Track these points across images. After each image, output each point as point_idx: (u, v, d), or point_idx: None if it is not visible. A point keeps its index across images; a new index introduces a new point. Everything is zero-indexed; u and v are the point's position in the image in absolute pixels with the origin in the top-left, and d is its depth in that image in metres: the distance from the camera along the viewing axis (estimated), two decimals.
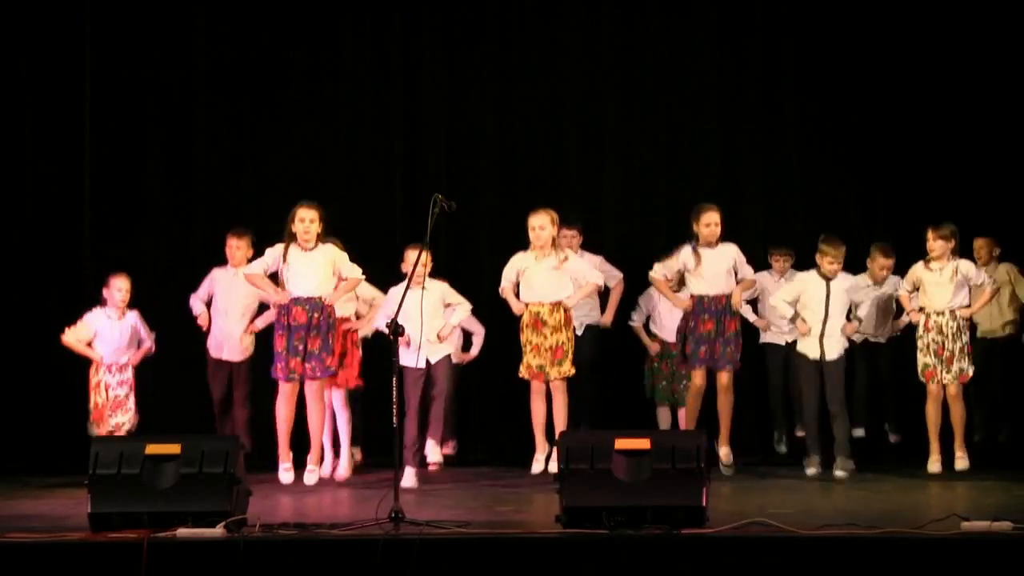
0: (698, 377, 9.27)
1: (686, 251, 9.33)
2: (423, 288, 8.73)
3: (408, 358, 8.83)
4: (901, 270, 9.64)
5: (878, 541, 6.17)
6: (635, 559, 6.09)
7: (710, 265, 9.28)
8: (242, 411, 9.66)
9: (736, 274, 9.37)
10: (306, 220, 8.80)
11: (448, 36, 11.10)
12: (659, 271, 9.46)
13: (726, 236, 9.44)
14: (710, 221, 9.28)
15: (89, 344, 9.47)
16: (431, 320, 8.83)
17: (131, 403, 9.49)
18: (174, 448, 6.72)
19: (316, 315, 8.70)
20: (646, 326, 10.35)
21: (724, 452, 9.29)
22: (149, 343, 9.63)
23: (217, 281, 9.73)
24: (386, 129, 11.11)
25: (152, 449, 6.72)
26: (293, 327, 8.69)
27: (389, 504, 6.69)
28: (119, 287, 9.47)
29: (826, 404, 9.28)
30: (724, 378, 9.25)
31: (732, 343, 9.26)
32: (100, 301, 9.51)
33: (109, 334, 9.46)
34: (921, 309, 9.33)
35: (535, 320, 8.97)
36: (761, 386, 10.44)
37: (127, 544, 6.16)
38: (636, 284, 10.34)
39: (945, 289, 9.24)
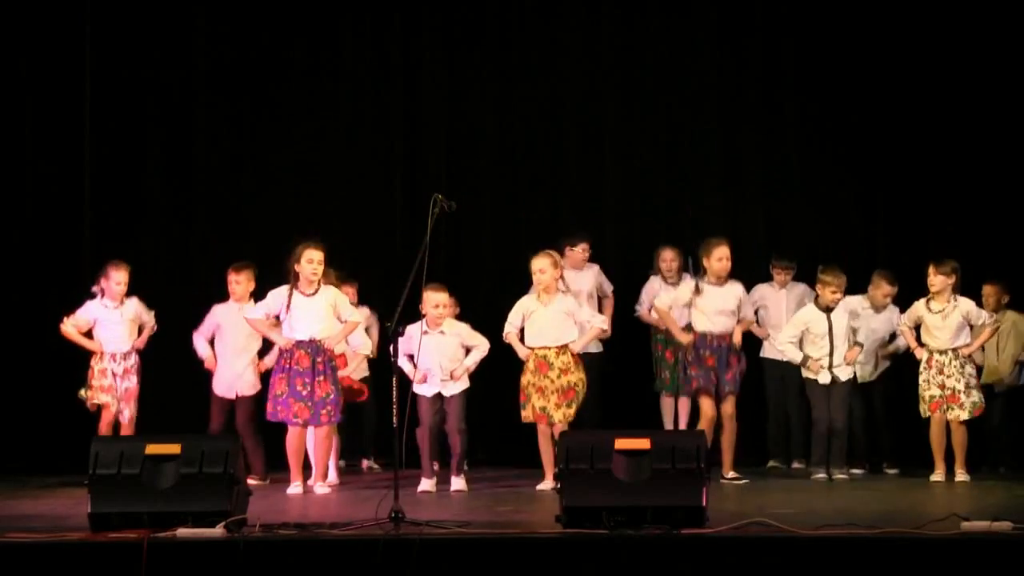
0: (707, 407, 9.27)
1: (692, 285, 9.37)
2: (441, 332, 8.80)
3: (422, 389, 8.85)
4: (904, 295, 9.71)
5: (878, 541, 6.16)
6: (635, 559, 6.09)
7: (715, 302, 9.29)
8: (252, 443, 9.34)
9: (738, 312, 9.43)
10: (315, 261, 8.76)
11: (448, 36, 11.10)
12: (664, 301, 9.48)
13: (726, 236, 9.49)
14: (722, 255, 9.28)
15: (89, 334, 9.47)
16: (449, 363, 8.90)
17: (136, 391, 9.48)
18: (174, 448, 6.71)
19: (319, 359, 8.72)
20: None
21: (732, 475, 9.32)
22: (151, 323, 9.64)
23: (219, 318, 9.55)
24: (386, 129, 11.11)
25: (152, 449, 6.71)
26: (296, 371, 8.69)
27: (389, 504, 6.68)
28: (117, 279, 9.45)
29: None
30: (728, 407, 9.29)
31: (735, 370, 9.32)
32: (97, 291, 9.49)
33: (108, 322, 9.47)
34: (923, 345, 9.38)
35: (540, 363, 8.91)
36: (759, 399, 10.39)
37: (127, 544, 6.15)
38: (636, 283, 10.35)
39: (946, 330, 9.27)
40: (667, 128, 11.04)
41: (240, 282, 9.46)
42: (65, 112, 10.83)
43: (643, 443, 6.66)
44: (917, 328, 9.45)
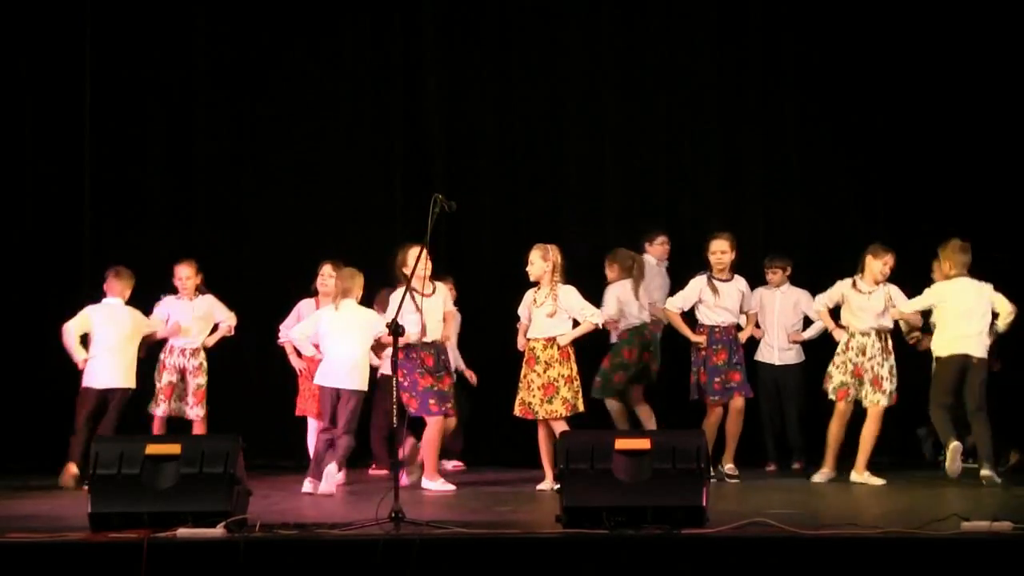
0: (717, 413, 9.39)
1: (702, 283, 9.40)
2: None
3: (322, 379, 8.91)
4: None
5: (878, 541, 6.17)
6: (635, 559, 6.09)
7: (724, 297, 9.41)
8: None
9: (741, 307, 9.56)
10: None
11: (448, 36, 11.09)
12: (675, 304, 9.48)
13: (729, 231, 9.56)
14: (716, 249, 9.39)
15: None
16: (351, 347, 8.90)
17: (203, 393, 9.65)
18: (174, 448, 6.72)
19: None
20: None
21: (730, 467, 9.40)
22: (229, 322, 9.74)
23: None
24: (386, 129, 11.10)
25: (152, 449, 6.71)
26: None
27: (389, 504, 6.68)
28: (185, 274, 9.64)
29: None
30: (739, 402, 9.42)
31: (743, 371, 9.44)
32: (171, 290, 9.71)
33: (180, 317, 9.63)
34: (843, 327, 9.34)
35: (530, 356, 8.88)
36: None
37: (127, 544, 6.15)
38: None
39: (870, 312, 9.19)
40: (667, 128, 11.04)
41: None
42: (65, 112, 10.83)
43: (643, 443, 6.66)
44: (836, 310, 9.41)
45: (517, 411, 8.89)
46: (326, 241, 10.22)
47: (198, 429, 9.55)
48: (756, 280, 10.30)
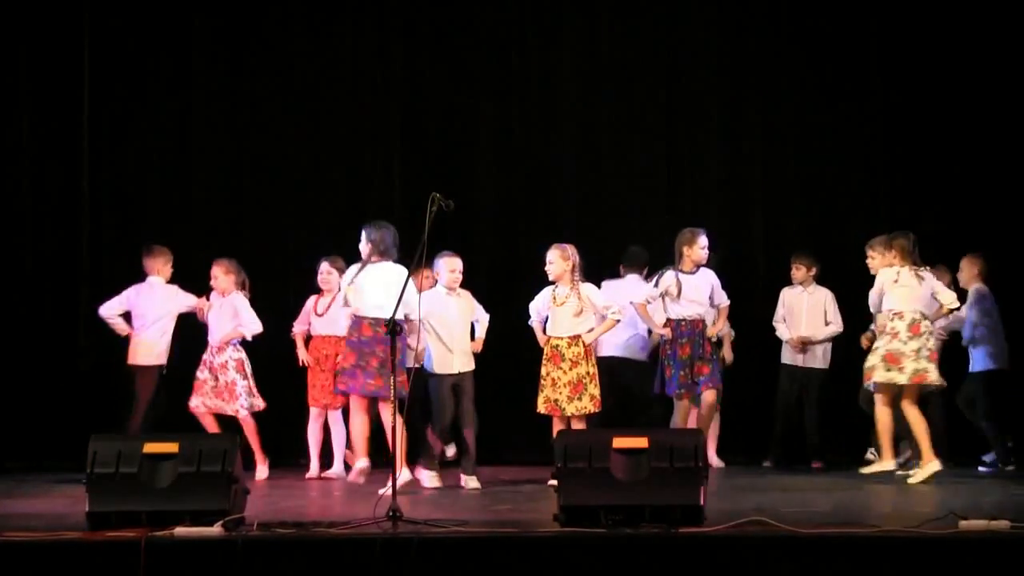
0: (684, 404, 9.35)
1: (669, 276, 9.33)
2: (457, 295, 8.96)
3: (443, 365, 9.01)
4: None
5: (876, 540, 6.16)
6: (633, 558, 6.09)
7: (690, 290, 9.32)
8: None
9: (712, 300, 9.45)
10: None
11: (448, 35, 11.10)
12: (642, 297, 9.46)
13: (727, 239, 9.50)
14: (705, 244, 9.31)
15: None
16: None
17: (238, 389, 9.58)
18: (172, 447, 6.71)
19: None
20: None
21: (715, 461, 9.40)
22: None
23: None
24: (386, 128, 11.11)
25: (150, 448, 6.70)
26: None
27: (387, 503, 6.68)
28: (213, 274, 9.67)
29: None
30: (709, 396, 9.34)
31: (711, 363, 9.33)
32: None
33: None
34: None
35: (554, 353, 8.93)
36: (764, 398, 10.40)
37: (125, 543, 6.14)
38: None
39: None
40: (667, 128, 11.04)
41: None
42: (65, 112, 10.84)
43: (641, 442, 6.64)
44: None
45: (543, 409, 8.89)
46: (324, 239, 10.24)
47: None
48: (756, 280, 10.32)
